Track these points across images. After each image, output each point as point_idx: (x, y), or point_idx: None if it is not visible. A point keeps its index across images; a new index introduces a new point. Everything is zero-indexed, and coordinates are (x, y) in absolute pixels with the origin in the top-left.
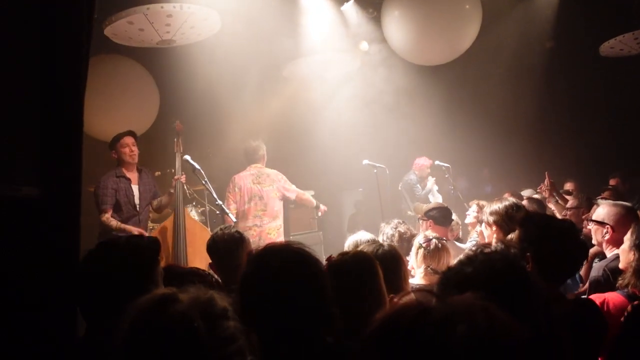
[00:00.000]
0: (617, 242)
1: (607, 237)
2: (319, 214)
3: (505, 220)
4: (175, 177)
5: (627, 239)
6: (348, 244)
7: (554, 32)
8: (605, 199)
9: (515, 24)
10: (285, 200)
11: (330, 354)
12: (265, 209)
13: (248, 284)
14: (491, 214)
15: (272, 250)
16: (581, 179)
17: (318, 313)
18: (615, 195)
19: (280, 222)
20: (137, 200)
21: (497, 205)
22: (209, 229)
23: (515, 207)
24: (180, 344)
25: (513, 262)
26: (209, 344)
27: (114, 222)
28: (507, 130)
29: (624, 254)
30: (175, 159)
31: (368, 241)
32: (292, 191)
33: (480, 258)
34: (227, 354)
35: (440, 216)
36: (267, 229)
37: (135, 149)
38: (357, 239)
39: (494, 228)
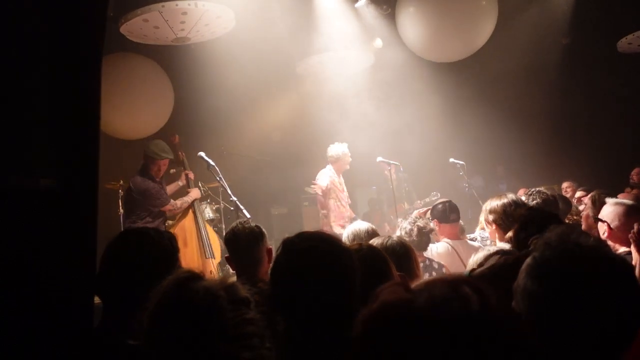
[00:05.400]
0: (620, 241)
1: (605, 235)
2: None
3: (504, 218)
4: (185, 171)
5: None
6: (347, 234)
7: (570, 27)
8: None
9: (530, 20)
10: None
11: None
12: None
13: (277, 270)
14: (490, 212)
15: (304, 239)
16: (597, 177)
17: (343, 306)
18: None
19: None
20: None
21: (496, 203)
22: (224, 226)
23: (514, 205)
24: (203, 317)
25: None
26: (230, 320)
27: (178, 202)
28: (522, 128)
29: (634, 252)
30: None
31: (367, 230)
32: None
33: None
34: (247, 334)
35: (438, 212)
36: None
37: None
38: (355, 228)
39: (494, 227)
